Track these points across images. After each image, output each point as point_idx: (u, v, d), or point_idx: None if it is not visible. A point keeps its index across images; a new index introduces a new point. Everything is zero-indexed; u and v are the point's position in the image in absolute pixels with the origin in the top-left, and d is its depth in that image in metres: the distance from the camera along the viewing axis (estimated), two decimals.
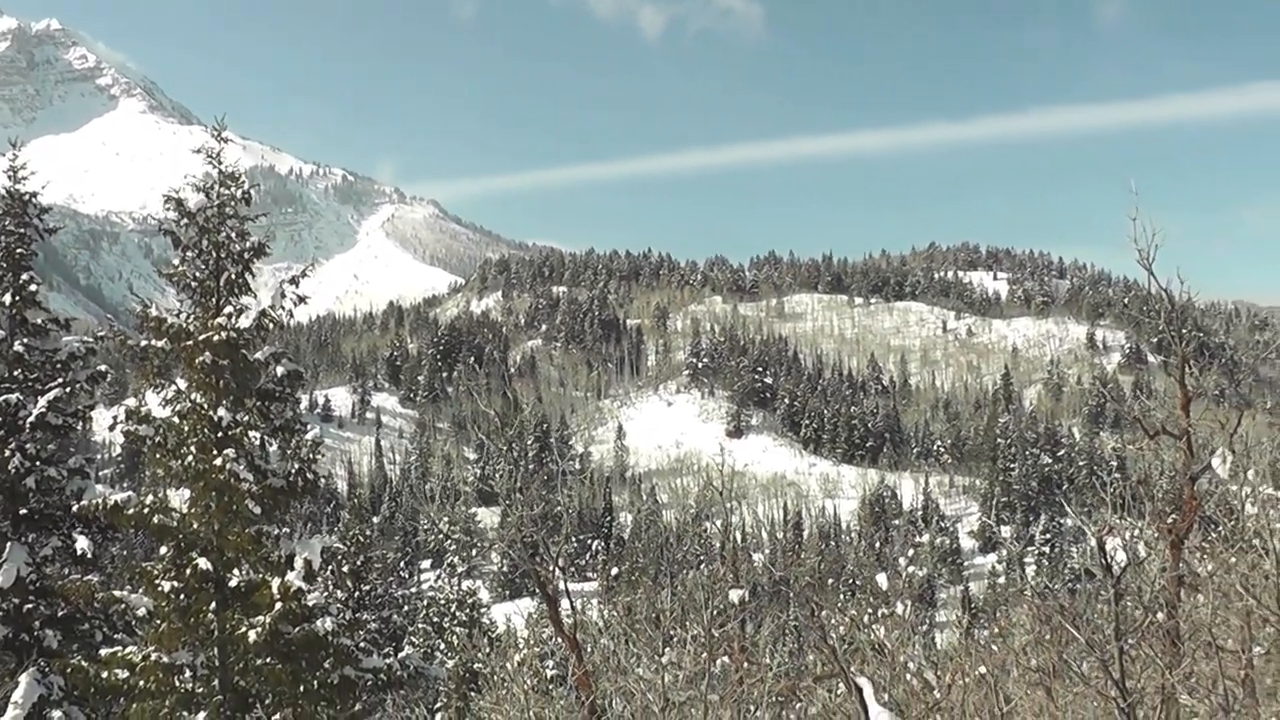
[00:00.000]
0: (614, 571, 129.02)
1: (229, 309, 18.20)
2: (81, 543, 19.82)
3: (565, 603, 16.75)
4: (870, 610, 18.65)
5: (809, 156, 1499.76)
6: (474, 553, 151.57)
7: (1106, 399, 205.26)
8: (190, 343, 17.86)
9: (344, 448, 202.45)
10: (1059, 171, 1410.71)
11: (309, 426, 20.02)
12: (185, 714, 17.28)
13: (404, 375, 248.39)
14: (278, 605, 17.20)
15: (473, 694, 37.83)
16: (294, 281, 18.90)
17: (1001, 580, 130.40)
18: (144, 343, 18.20)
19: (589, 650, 17.31)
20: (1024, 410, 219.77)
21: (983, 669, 13.35)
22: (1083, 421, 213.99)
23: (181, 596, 17.51)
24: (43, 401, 20.06)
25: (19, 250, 20.84)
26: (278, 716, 17.38)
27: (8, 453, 19.71)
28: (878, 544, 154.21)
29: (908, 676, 14.88)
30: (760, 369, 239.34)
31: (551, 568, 16.83)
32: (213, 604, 17.69)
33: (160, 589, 17.54)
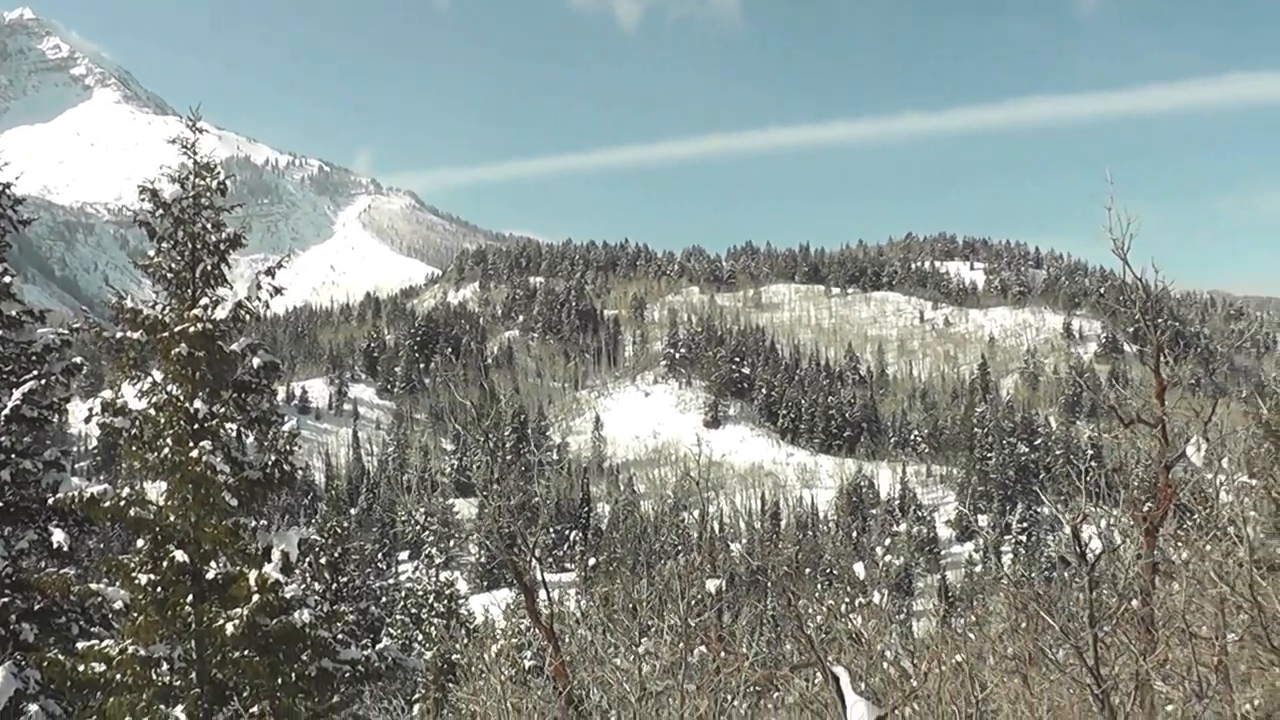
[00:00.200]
0: (591, 562, 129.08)
1: (205, 300, 18.11)
2: (57, 536, 19.74)
3: (542, 593, 16.76)
4: (847, 599, 18.75)
5: (786, 147, 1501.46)
6: (452, 544, 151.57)
7: (1083, 388, 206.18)
8: (166, 334, 17.79)
9: (321, 439, 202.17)
10: (1036, 162, 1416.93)
11: (286, 418, 19.98)
12: (162, 707, 17.23)
13: (381, 366, 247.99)
14: (255, 597, 17.15)
15: (451, 685, 37.84)
16: (270, 273, 18.83)
17: (978, 569, 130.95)
18: (119, 334, 18.11)
19: (566, 640, 17.34)
20: (1001, 400, 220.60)
21: (959, 657, 13.41)
22: (1059, 411, 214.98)
23: (158, 589, 17.45)
24: (17, 394, 19.97)
25: None
26: (255, 709, 17.35)
27: None
28: (855, 533, 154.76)
29: (885, 665, 14.94)
30: (737, 359, 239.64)
31: (528, 558, 16.84)
32: (190, 597, 17.64)
33: (137, 582, 17.47)
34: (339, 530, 46.64)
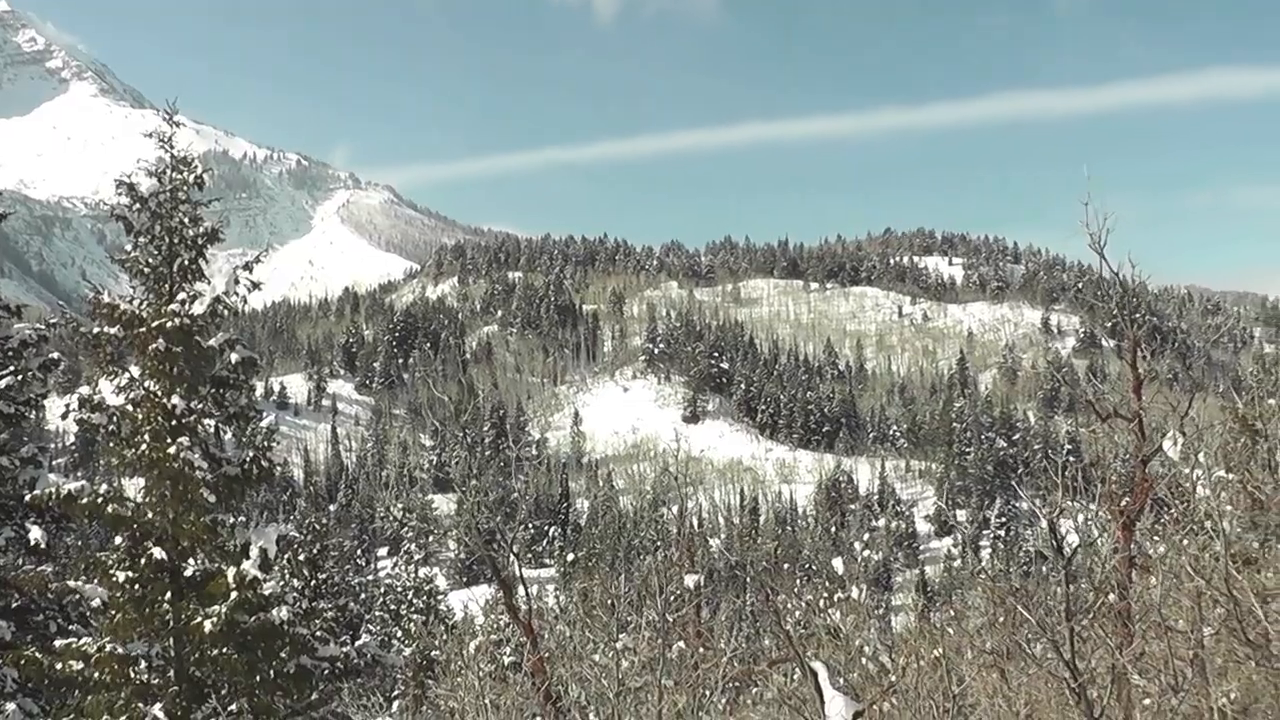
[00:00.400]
0: (570, 558, 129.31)
1: (182, 295, 18.06)
2: (35, 533, 19.68)
3: (521, 589, 16.76)
4: (826, 594, 18.76)
5: (765, 141, 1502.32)
6: (431, 540, 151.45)
7: (1061, 383, 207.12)
8: (143, 329, 17.73)
9: (300, 435, 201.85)
10: (1014, 157, 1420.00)
11: (264, 414, 19.96)
12: (140, 705, 17.17)
13: (360, 362, 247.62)
14: (233, 594, 17.11)
15: (430, 681, 37.85)
16: (248, 267, 18.79)
17: (957, 564, 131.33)
18: (97, 329, 18.05)
19: (545, 636, 17.34)
20: (979, 395, 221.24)
21: (937, 652, 13.45)
22: (1037, 405, 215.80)
23: (136, 587, 17.40)
24: None
25: None
26: (234, 707, 17.32)
27: None
28: (834, 528, 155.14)
29: (863, 660, 14.99)
30: (716, 354, 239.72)
31: (507, 554, 16.84)
32: (168, 594, 17.59)
33: (115, 579, 17.42)
34: (318, 526, 46.53)
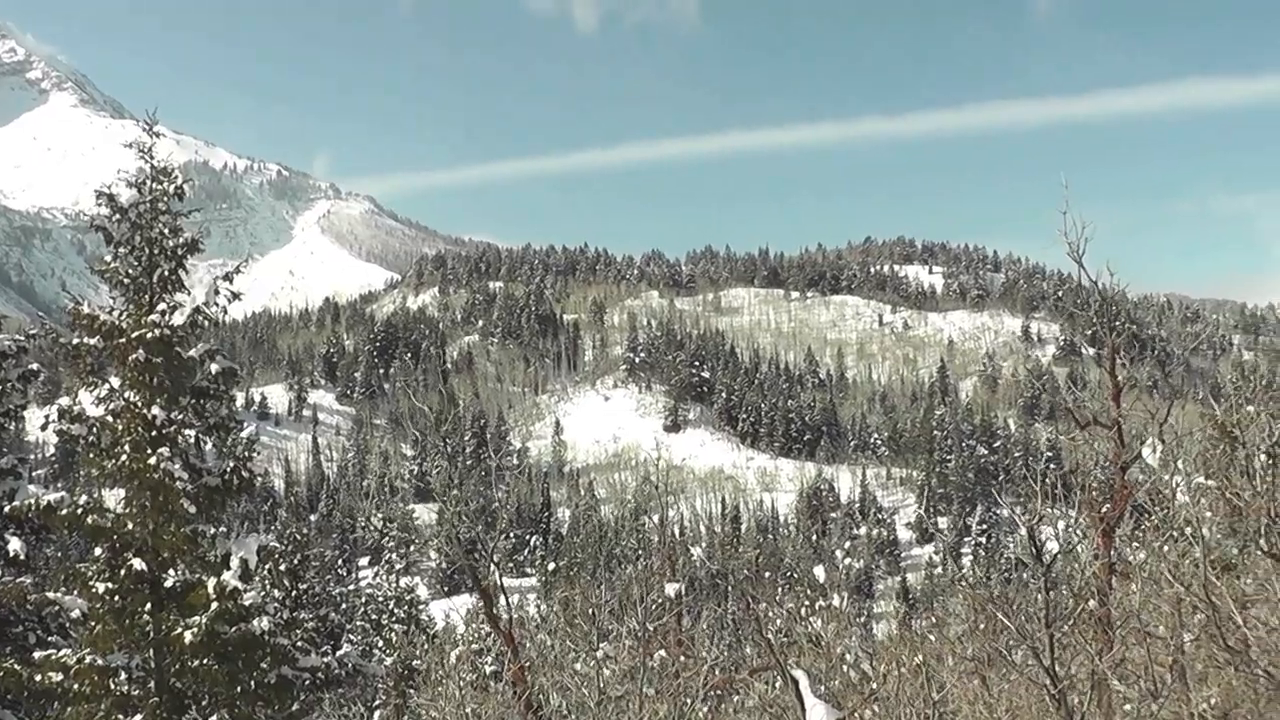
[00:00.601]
0: (552, 567, 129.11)
1: (163, 306, 18.03)
2: (14, 544, 19.60)
3: (502, 598, 16.75)
4: (807, 603, 18.79)
5: (746, 150, 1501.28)
6: (412, 549, 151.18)
7: (1041, 391, 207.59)
8: (123, 340, 17.69)
9: (281, 445, 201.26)
10: (994, 166, 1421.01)
11: (245, 424, 19.92)
12: (121, 717, 17.11)
13: (340, 372, 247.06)
14: (214, 605, 17.07)
15: (411, 691, 37.75)
16: (228, 278, 18.76)
17: (938, 571, 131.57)
18: (76, 340, 18.00)
19: (526, 645, 17.33)
20: (960, 403, 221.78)
21: (918, 659, 13.48)
22: (1018, 413, 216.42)
23: (116, 598, 17.35)
24: None
25: None
26: (214, 718, 17.27)
27: None
28: (815, 536, 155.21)
29: (845, 668, 15.02)
30: (697, 363, 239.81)
31: (488, 563, 16.83)
32: (148, 605, 17.54)
33: (94, 590, 17.37)
34: (299, 537, 46.37)
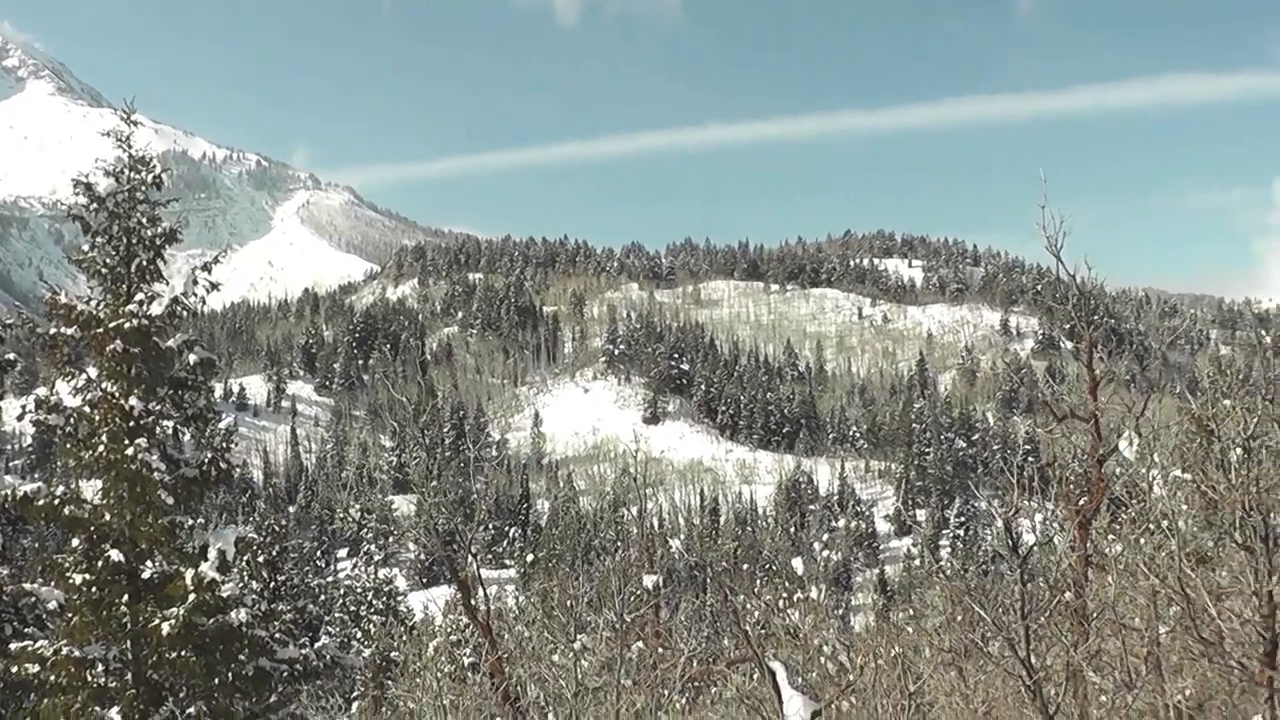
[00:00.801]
0: (530, 558, 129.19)
1: (140, 296, 17.96)
2: None
3: (480, 590, 16.75)
4: (785, 594, 18.84)
5: (726, 143, 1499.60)
6: (390, 541, 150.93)
7: (1019, 384, 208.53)
8: (101, 330, 17.63)
9: (259, 436, 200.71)
10: (974, 160, 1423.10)
11: (223, 415, 19.88)
12: (98, 709, 17.06)
13: (319, 363, 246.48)
14: (191, 597, 17.03)
15: (389, 682, 37.74)
16: (207, 268, 18.71)
17: (916, 563, 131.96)
18: (53, 330, 17.93)
19: (504, 637, 17.34)
20: (939, 395, 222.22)
21: (896, 650, 13.53)
22: (996, 406, 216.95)
23: (93, 589, 17.29)
24: None
25: None
26: (192, 710, 17.23)
27: None
28: (794, 529, 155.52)
29: (822, 659, 15.06)
30: (677, 356, 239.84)
31: (466, 555, 16.83)
32: (125, 596, 17.48)
33: (72, 582, 17.30)
34: (277, 528, 46.37)
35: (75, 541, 17.70)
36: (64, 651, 17.00)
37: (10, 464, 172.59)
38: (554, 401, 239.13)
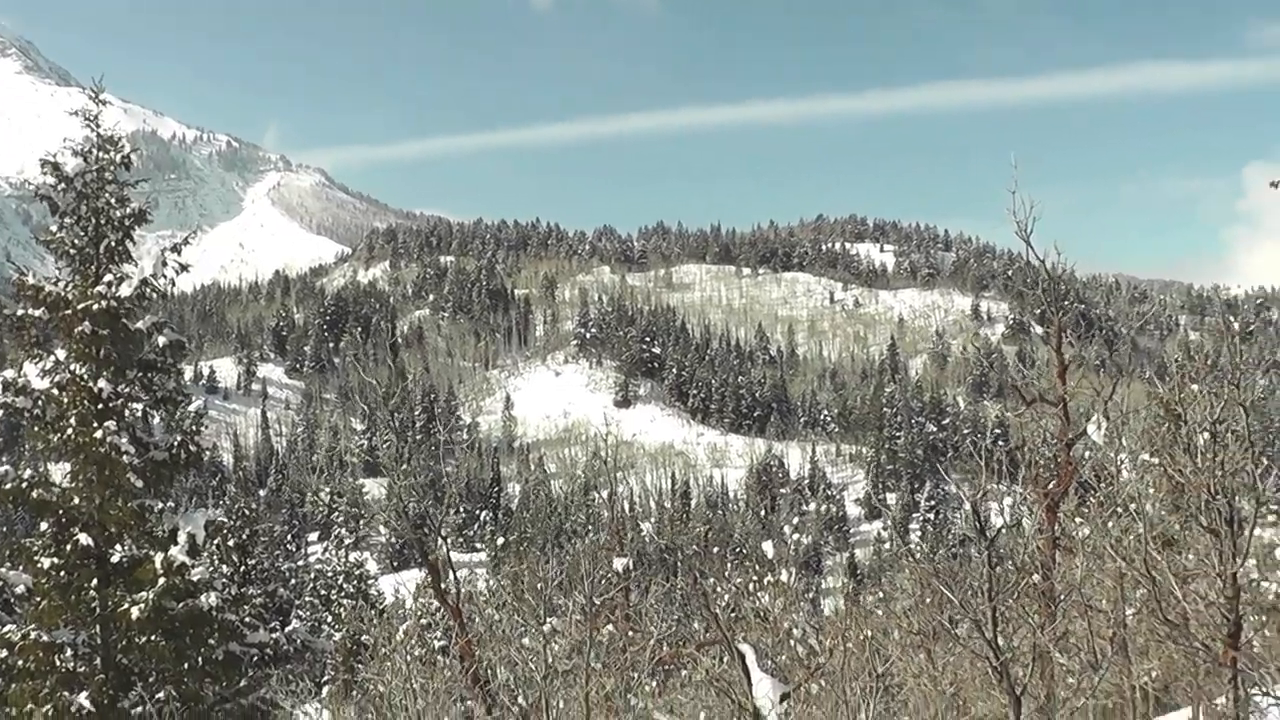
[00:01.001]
0: (501, 542, 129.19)
1: (109, 277, 17.89)
2: None
3: (450, 573, 16.76)
4: (756, 578, 18.90)
5: (699, 127, 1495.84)
6: (361, 524, 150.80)
7: (989, 368, 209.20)
8: (69, 312, 17.55)
9: (229, 419, 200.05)
10: (947, 146, 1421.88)
11: (193, 398, 19.81)
12: (66, 694, 16.99)
13: (290, 346, 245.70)
14: (161, 581, 16.99)
15: (360, 666, 37.71)
16: (176, 249, 18.64)
17: (887, 547, 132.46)
18: (21, 312, 17.84)
19: (475, 620, 17.36)
20: (910, 380, 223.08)
21: (867, 633, 13.60)
22: (967, 391, 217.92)
23: (62, 573, 17.23)
24: None
25: None
26: (161, 694, 17.19)
27: None
28: (764, 512, 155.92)
29: (791, 642, 15.13)
30: (648, 339, 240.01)
31: (436, 538, 16.84)
32: (94, 580, 17.43)
33: (40, 566, 17.24)
34: (247, 512, 46.31)
35: (44, 525, 17.64)
36: (32, 636, 16.94)
37: None
38: (525, 385, 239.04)
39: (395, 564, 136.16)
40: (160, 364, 18.36)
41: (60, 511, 17.47)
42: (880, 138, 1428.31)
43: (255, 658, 18.51)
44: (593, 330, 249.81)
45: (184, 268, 18.49)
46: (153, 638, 17.19)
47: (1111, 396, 15.45)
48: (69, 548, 17.20)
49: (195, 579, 17.43)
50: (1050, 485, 15.51)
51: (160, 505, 18.06)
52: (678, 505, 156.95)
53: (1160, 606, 10.96)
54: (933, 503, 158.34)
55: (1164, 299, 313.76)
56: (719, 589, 17.99)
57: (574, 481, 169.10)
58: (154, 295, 18.11)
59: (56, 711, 16.70)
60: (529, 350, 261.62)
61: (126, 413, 17.66)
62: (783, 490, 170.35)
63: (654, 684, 15.64)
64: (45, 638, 16.99)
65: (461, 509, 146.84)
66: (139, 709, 16.81)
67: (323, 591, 65.90)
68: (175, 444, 18.00)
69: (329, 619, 59.67)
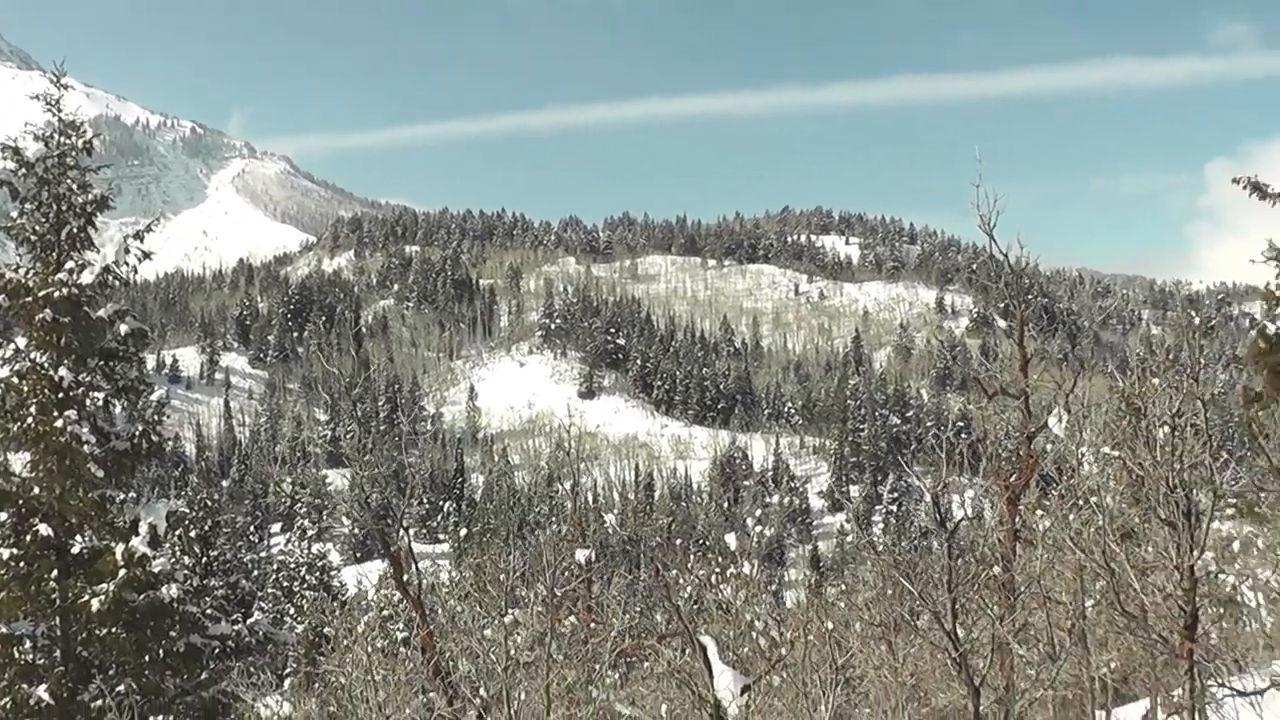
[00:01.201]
0: (464, 533, 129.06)
1: (71, 264, 17.79)
2: None
3: (413, 564, 16.73)
4: (718, 570, 18.95)
5: (666, 117, 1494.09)
6: (324, 515, 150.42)
7: (953, 361, 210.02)
8: (30, 299, 17.44)
9: (192, 409, 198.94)
10: (913, 139, 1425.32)
11: (155, 387, 19.71)
12: (25, 686, 16.90)
13: (254, 335, 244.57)
14: (122, 572, 16.92)
15: (321, 658, 37.63)
16: (139, 236, 18.55)
17: (849, 539, 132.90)
18: None
19: (437, 611, 17.34)
20: (874, 372, 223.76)
21: (829, 625, 13.66)
22: (930, 383, 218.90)
23: (21, 564, 17.13)
24: None
25: None
26: (121, 686, 17.11)
27: None
28: (728, 504, 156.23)
29: (754, 634, 15.17)
30: (613, 330, 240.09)
31: (398, 529, 16.80)
32: (54, 572, 17.34)
33: None
34: (209, 502, 45.91)
35: (3, 516, 17.53)
36: None
37: None
38: (490, 375, 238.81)
39: (358, 555, 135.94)
40: (122, 352, 18.27)
41: (20, 501, 17.36)
42: (847, 130, 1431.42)
43: (217, 650, 18.49)
44: (557, 321, 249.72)
45: (147, 255, 18.40)
46: (113, 630, 17.12)
47: (1073, 390, 15.54)
48: (28, 538, 17.10)
49: (156, 570, 17.36)
50: (1011, 478, 15.59)
51: (121, 496, 17.98)
52: (641, 497, 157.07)
53: (1119, 598, 11.04)
54: (895, 495, 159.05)
55: (1127, 294, 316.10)
56: (681, 581, 18.03)
57: (537, 473, 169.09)
58: (116, 283, 18.02)
59: (15, 704, 16.62)
60: (493, 341, 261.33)
61: (88, 402, 17.58)
62: (746, 482, 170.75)
63: (616, 676, 15.65)
64: (4, 630, 16.90)
65: (424, 500, 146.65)
66: (99, 702, 16.73)
67: (285, 583, 65.59)
68: (137, 434, 17.92)
69: (291, 611, 59.41)
